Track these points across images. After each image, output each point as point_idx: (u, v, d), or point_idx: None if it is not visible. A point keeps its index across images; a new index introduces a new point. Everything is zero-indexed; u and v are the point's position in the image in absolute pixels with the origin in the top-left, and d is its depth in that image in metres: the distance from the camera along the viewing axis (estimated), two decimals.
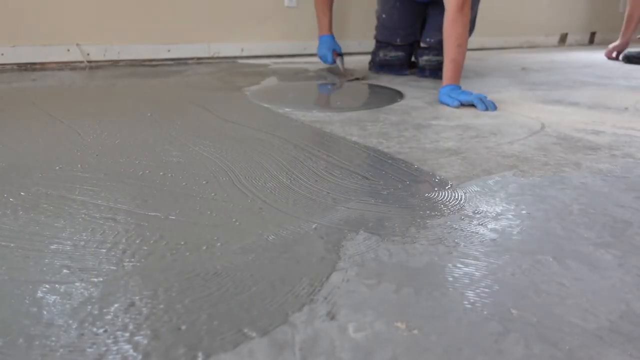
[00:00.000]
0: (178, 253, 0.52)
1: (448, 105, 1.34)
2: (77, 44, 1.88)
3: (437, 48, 1.77)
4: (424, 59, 1.83)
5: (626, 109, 1.34)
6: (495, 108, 1.30)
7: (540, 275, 0.50)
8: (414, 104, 1.37)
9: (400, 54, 1.89)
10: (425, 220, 0.62)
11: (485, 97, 1.32)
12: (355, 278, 0.48)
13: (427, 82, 1.75)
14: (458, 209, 0.66)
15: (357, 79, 1.77)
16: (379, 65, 1.96)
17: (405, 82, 1.76)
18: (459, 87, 1.37)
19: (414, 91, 1.57)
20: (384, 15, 1.88)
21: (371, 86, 1.68)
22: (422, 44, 1.83)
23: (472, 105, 1.33)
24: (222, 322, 0.41)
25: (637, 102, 1.43)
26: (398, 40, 1.88)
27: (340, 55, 1.93)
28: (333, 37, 1.92)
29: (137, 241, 0.55)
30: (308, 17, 2.36)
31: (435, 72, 1.80)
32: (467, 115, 1.23)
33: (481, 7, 1.87)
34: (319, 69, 2.04)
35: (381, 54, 1.93)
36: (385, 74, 1.93)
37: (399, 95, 1.50)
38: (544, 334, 0.41)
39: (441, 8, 1.47)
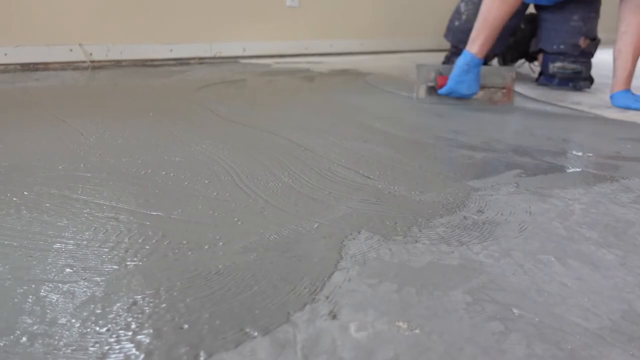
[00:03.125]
0: (180, 252, 0.53)
1: (630, 108, 1.32)
2: (80, 44, 1.88)
3: (573, 55, 1.61)
4: (556, 66, 1.65)
5: None
6: None
7: (542, 275, 0.50)
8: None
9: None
10: (427, 220, 0.62)
11: None
12: (357, 277, 0.49)
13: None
14: (460, 208, 0.66)
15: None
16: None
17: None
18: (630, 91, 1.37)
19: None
20: (464, 17, 1.71)
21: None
22: (548, 50, 1.66)
23: None
24: (224, 321, 0.42)
25: None
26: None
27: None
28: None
29: (140, 240, 0.55)
30: (310, 17, 2.37)
31: (566, 81, 1.65)
32: None
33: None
34: (321, 69, 2.04)
35: (452, 57, 1.74)
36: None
37: None
38: (546, 334, 0.41)
39: (561, 10, 1.51)
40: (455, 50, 1.74)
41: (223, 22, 2.19)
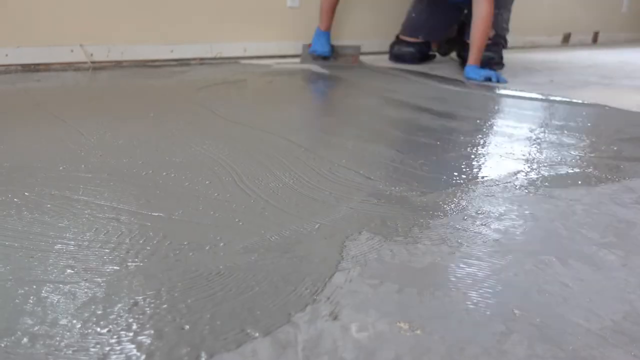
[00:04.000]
0: (181, 253, 0.52)
1: (475, 79, 1.80)
2: (81, 45, 1.88)
3: (489, 46, 1.99)
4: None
5: None
6: (506, 81, 1.76)
7: (544, 275, 0.50)
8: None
9: (412, 49, 2.22)
10: (428, 220, 0.62)
11: (500, 74, 1.79)
12: (358, 278, 0.48)
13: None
14: (461, 209, 0.65)
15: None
16: (394, 56, 2.31)
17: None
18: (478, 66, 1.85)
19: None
20: (414, 14, 2.22)
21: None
22: (467, 40, 2.00)
23: (489, 79, 1.77)
24: (225, 321, 0.41)
25: None
26: (419, 37, 2.22)
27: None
28: (329, 34, 2.19)
29: (141, 241, 0.55)
30: (310, 18, 2.36)
31: (482, 65, 1.96)
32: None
33: (514, 5, 2.11)
34: (321, 70, 2.04)
35: (396, 47, 2.29)
36: (399, 63, 2.26)
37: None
38: (547, 334, 0.41)
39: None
40: (397, 39, 2.30)
41: (224, 23, 2.19)
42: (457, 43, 2.29)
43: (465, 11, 2.09)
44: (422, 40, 2.22)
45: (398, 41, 2.29)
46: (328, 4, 2.10)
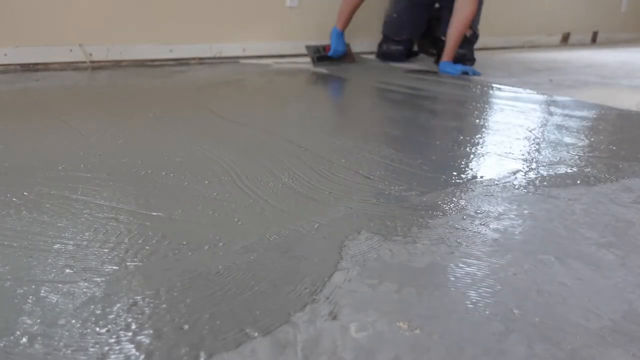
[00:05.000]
0: (180, 253, 0.52)
1: (451, 74, 1.91)
2: (80, 44, 1.88)
3: (461, 44, 2.08)
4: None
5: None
6: (480, 74, 1.92)
7: (543, 275, 0.50)
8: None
9: (400, 47, 2.31)
10: (427, 220, 0.62)
11: (474, 69, 1.96)
12: (357, 278, 0.48)
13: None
14: (460, 208, 0.66)
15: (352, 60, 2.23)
16: (382, 55, 2.37)
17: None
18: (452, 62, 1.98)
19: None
20: (394, 15, 2.30)
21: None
22: (443, 38, 2.11)
23: (466, 73, 1.91)
24: (225, 321, 0.41)
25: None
26: (404, 35, 2.30)
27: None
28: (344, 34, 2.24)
29: (140, 241, 0.55)
30: (310, 18, 2.36)
31: (456, 61, 2.08)
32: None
33: (483, 6, 2.16)
34: (321, 70, 2.04)
35: (384, 46, 2.36)
36: (388, 61, 2.35)
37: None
38: (546, 334, 0.41)
39: (448, 7, 2.00)
40: (384, 39, 2.37)
41: (223, 23, 2.19)
42: (427, 39, 2.38)
43: (437, 5, 2.20)
44: (406, 38, 2.33)
45: (386, 40, 2.36)
46: (352, 3, 2.11)
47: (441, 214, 0.64)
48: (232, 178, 0.75)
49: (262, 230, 0.58)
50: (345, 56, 2.22)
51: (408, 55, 2.37)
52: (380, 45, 2.40)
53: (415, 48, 2.47)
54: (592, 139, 1.02)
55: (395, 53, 2.32)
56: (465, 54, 2.14)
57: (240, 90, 1.52)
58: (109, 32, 1.94)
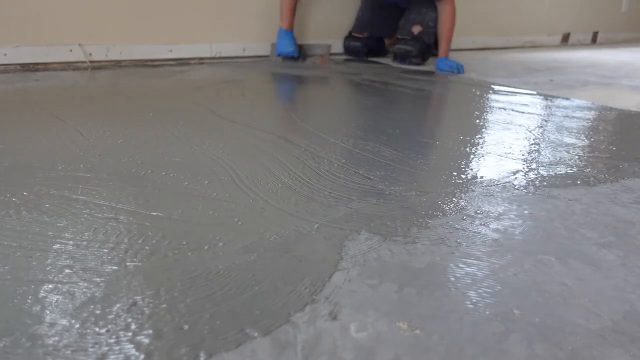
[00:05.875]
0: (180, 253, 0.52)
1: (445, 70, 2.06)
2: (80, 44, 1.88)
3: (408, 41, 2.27)
4: (395, 47, 2.31)
5: None
6: (462, 72, 2.04)
7: (543, 275, 0.50)
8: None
9: (358, 44, 2.43)
10: (427, 220, 0.62)
11: (462, 66, 2.07)
12: (357, 278, 0.48)
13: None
14: (460, 208, 0.65)
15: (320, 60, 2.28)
16: (345, 49, 2.52)
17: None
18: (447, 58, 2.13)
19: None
20: (360, 13, 2.43)
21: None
22: (398, 36, 2.32)
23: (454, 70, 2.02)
24: (225, 321, 0.41)
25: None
26: (365, 33, 2.41)
27: (301, 45, 2.27)
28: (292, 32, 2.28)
29: (140, 241, 0.55)
30: (310, 18, 2.36)
31: (403, 58, 2.28)
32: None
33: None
34: (321, 70, 2.04)
35: (346, 41, 2.49)
36: (349, 56, 2.50)
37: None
38: (547, 334, 0.41)
39: (414, 9, 2.26)
40: (347, 34, 2.48)
41: (223, 22, 2.19)
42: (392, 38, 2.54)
43: (403, 6, 2.35)
44: (367, 35, 2.43)
45: (349, 36, 2.51)
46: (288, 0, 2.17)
47: (441, 214, 0.64)
48: (232, 178, 0.75)
49: (262, 230, 0.58)
50: (308, 56, 2.26)
51: (368, 52, 2.46)
52: (344, 40, 2.53)
53: (388, 48, 2.57)
54: (592, 139, 1.02)
55: (354, 48, 2.44)
56: (410, 51, 2.24)
57: (240, 90, 1.52)
58: (109, 32, 1.94)
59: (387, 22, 2.41)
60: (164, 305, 0.43)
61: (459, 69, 2.05)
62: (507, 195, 0.70)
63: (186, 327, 0.41)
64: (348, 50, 2.49)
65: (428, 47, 2.28)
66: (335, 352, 0.38)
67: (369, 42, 2.44)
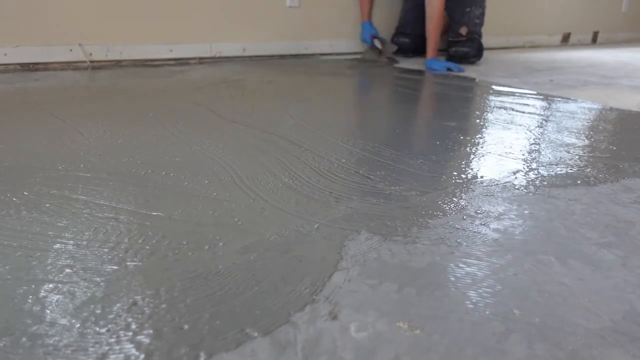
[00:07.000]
0: (180, 253, 0.52)
1: (437, 70, 2.06)
2: (80, 44, 1.88)
3: (465, 42, 2.33)
4: (452, 50, 2.36)
5: None
6: (463, 70, 2.07)
7: (543, 275, 0.50)
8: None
9: (406, 40, 2.53)
10: (427, 220, 0.62)
11: (458, 65, 2.12)
12: (357, 278, 0.48)
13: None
14: (460, 208, 0.65)
15: (390, 58, 2.41)
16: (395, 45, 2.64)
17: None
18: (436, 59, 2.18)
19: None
20: (401, 14, 2.59)
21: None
22: (450, 39, 2.40)
23: (450, 70, 2.06)
24: (225, 321, 0.41)
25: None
26: (407, 30, 2.54)
27: (378, 38, 2.44)
28: (371, 24, 2.47)
29: (140, 241, 0.55)
30: (310, 18, 2.36)
31: (461, 59, 2.32)
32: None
33: (486, 7, 2.34)
34: (321, 70, 2.04)
35: (394, 38, 2.60)
36: (400, 54, 2.57)
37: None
38: (547, 334, 0.41)
39: (457, 9, 2.33)
40: (395, 31, 2.61)
41: (223, 22, 2.19)
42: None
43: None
44: (410, 32, 2.53)
45: (396, 33, 2.63)
46: None
47: (441, 214, 0.64)
48: (232, 178, 0.75)
49: (262, 230, 0.58)
50: (381, 52, 2.41)
51: (416, 50, 2.52)
52: (392, 37, 2.62)
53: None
54: (592, 139, 1.02)
55: (403, 45, 2.52)
56: (468, 52, 2.31)
57: (240, 90, 1.52)
58: (109, 32, 1.94)
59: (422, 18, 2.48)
60: (164, 305, 0.43)
61: (457, 68, 2.06)
62: (507, 195, 0.70)
63: (186, 327, 0.41)
64: (397, 46, 2.58)
65: (481, 44, 2.36)
66: (335, 352, 0.38)
67: (417, 39, 2.51)
